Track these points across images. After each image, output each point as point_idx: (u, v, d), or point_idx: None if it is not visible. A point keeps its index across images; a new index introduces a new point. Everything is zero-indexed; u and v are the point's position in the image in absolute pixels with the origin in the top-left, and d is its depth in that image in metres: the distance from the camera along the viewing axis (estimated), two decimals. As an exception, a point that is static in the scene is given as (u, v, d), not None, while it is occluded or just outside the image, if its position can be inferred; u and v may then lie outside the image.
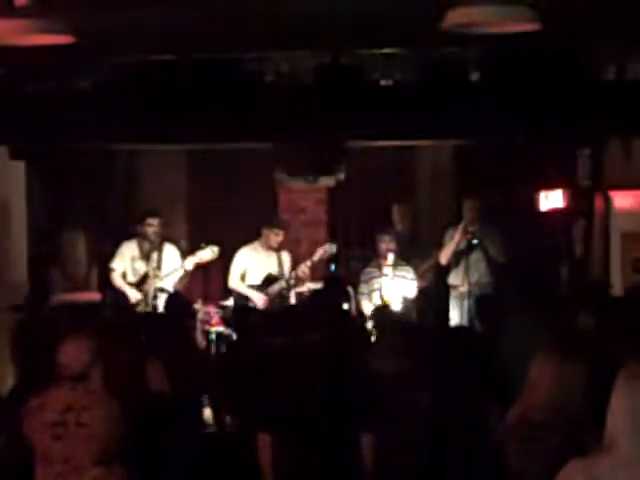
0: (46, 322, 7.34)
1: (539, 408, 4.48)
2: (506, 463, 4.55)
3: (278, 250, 10.16)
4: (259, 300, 9.97)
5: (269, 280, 10.00)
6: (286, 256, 10.24)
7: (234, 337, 9.59)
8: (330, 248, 10.07)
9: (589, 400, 4.40)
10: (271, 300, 9.91)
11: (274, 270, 10.08)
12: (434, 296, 9.87)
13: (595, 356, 5.35)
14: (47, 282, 10.27)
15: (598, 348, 5.85)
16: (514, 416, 4.62)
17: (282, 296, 9.87)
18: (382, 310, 8.12)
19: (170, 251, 10.08)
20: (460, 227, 9.95)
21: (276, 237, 10.08)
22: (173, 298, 8.21)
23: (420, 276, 10.07)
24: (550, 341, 4.88)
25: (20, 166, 10.44)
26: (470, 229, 9.92)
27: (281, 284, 10.01)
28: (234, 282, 10.18)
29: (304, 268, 10.03)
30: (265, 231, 10.14)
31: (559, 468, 3.43)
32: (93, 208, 11.40)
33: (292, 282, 10.03)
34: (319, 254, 10.06)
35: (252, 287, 10.09)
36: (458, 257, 10.04)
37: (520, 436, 4.52)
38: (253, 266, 10.15)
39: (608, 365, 4.04)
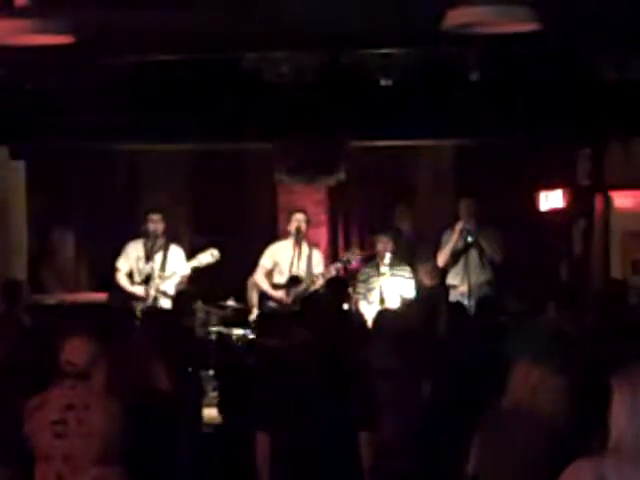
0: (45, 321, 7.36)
1: (509, 407, 4.49)
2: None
3: (310, 249, 10.07)
4: (277, 300, 9.90)
5: (293, 281, 9.90)
6: (317, 256, 10.13)
7: (233, 337, 9.62)
8: (354, 252, 9.96)
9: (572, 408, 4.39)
10: (293, 301, 9.78)
11: (302, 269, 9.97)
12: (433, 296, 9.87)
13: (584, 362, 5.35)
14: (40, 282, 10.29)
15: (590, 351, 5.86)
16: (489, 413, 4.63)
17: (303, 297, 9.73)
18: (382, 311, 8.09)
19: (175, 252, 10.06)
20: (457, 227, 9.94)
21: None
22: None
23: (430, 275, 10.09)
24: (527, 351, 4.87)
25: (20, 166, 10.44)
26: (467, 227, 9.91)
27: (305, 285, 9.88)
28: (259, 278, 10.11)
29: (331, 270, 9.91)
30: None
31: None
32: (93, 208, 11.40)
33: (316, 283, 9.89)
34: (341, 260, 9.97)
35: (276, 286, 10.01)
36: (457, 257, 10.03)
37: (489, 432, 4.53)
38: (282, 263, 10.06)
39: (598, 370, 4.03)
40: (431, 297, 9.31)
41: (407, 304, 9.11)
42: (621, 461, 3.23)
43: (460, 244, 9.98)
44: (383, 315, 7.26)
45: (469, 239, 9.92)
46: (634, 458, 3.22)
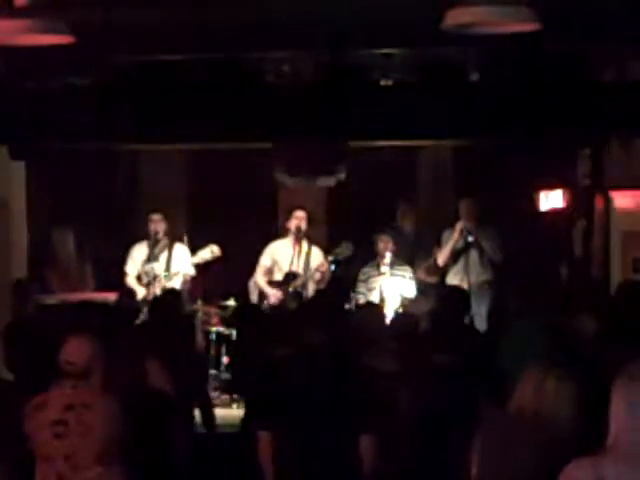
0: (46, 321, 7.35)
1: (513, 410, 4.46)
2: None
3: (309, 246, 10.09)
4: (273, 297, 9.90)
5: (290, 277, 9.91)
6: (316, 253, 10.14)
7: (234, 337, 9.62)
8: (346, 248, 9.96)
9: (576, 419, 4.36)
10: (288, 298, 9.78)
11: (302, 267, 9.98)
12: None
13: (590, 369, 5.32)
14: (43, 282, 10.28)
15: (596, 356, 5.84)
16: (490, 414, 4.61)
17: (299, 294, 9.75)
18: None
19: (180, 251, 10.07)
20: (458, 226, 9.95)
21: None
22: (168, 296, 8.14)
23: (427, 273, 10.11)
24: (539, 359, 4.84)
25: (20, 166, 10.44)
26: (467, 226, 9.92)
27: (301, 280, 9.88)
28: (258, 277, 10.11)
29: (324, 265, 9.91)
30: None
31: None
32: (93, 208, 11.39)
33: (313, 279, 9.88)
34: (335, 253, 9.97)
35: (272, 284, 10.01)
36: (457, 256, 10.04)
37: (490, 433, 4.50)
38: (281, 261, 10.07)
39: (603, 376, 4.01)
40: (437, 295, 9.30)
41: (410, 302, 9.12)
42: (619, 461, 3.24)
43: (460, 243, 9.99)
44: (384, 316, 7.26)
45: (469, 239, 9.93)
46: (631, 458, 3.22)
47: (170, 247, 10.03)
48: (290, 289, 9.83)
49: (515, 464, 4.33)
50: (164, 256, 10.01)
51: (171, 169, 12.19)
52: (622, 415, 3.26)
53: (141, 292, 9.92)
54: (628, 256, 10.26)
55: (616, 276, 10.17)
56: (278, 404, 5.34)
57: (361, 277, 10.11)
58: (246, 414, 6.73)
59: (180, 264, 9.93)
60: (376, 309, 7.66)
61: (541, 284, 9.55)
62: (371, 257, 10.23)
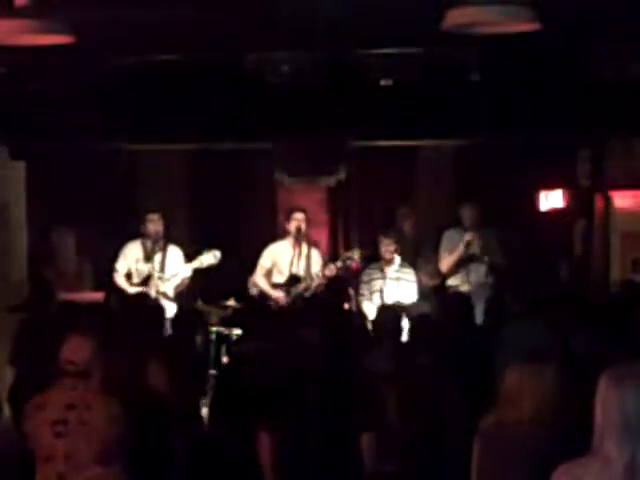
0: (48, 321, 7.36)
1: (512, 421, 4.44)
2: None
3: (309, 248, 10.06)
4: (278, 299, 9.87)
5: (293, 280, 9.88)
6: (316, 255, 10.11)
7: (234, 337, 9.61)
8: (353, 254, 9.92)
9: (570, 410, 4.35)
10: (292, 300, 9.74)
11: (302, 269, 9.95)
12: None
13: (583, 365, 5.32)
14: (43, 282, 10.28)
15: (595, 356, 5.84)
16: (489, 423, 4.58)
17: (303, 297, 9.71)
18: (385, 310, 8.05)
19: (174, 252, 10.02)
20: (465, 238, 9.83)
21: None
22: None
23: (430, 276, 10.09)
24: (527, 353, 4.84)
25: (20, 166, 10.45)
26: (472, 239, 9.83)
27: (305, 284, 9.86)
28: (258, 278, 10.09)
29: (330, 269, 9.87)
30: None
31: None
32: (93, 208, 11.39)
33: (315, 282, 9.86)
34: (342, 259, 9.91)
35: (275, 285, 9.99)
36: (459, 265, 9.98)
37: (490, 444, 4.48)
38: (281, 263, 10.05)
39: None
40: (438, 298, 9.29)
41: (410, 305, 9.10)
42: (601, 465, 3.19)
43: (464, 254, 9.92)
44: (385, 314, 7.25)
45: (474, 250, 9.84)
46: (614, 462, 3.17)
47: (164, 248, 9.99)
48: (293, 293, 9.80)
49: (513, 468, 4.33)
50: (158, 257, 9.97)
51: (171, 169, 12.18)
52: (608, 418, 3.20)
53: (130, 291, 9.88)
54: (628, 256, 10.27)
55: (616, 276, 10.17)
56: (277, 405, 5.34)
57: (363, 279, 10.07)
58: (242, 414, 6.72)
59: (175, 266, 9.91)
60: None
61: (541, 284, 9.56)
62: (372, 259, 10.21)
